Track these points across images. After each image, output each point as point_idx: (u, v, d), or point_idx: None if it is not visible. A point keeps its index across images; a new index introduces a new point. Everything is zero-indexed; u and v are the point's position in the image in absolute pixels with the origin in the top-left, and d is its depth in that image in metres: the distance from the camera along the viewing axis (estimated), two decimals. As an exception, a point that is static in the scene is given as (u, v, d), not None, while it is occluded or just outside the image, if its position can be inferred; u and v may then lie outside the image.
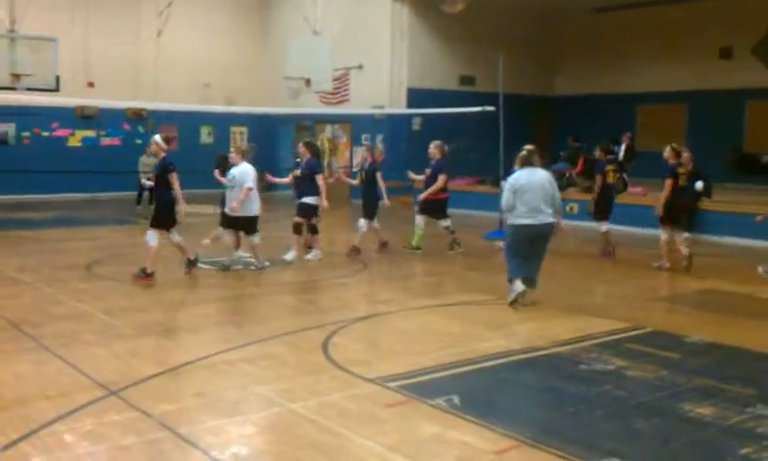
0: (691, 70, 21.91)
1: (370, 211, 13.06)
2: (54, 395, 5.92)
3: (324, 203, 12.07)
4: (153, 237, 10.29)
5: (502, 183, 11.57)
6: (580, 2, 21.96)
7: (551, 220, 9.09)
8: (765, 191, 17.04)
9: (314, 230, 12.33)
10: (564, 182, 18.70)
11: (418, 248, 13.20)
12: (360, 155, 13.62)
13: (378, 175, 13.11)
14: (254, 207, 11.27)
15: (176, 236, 10.62)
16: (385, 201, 13.27)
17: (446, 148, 13.53)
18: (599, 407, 5.89)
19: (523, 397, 6.18)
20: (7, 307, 8.89)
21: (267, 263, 11.41)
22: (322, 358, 7.04)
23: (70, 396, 5.88)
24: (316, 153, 12.53)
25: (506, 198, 9.14)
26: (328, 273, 11.64)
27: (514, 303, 9.13)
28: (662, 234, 11.90)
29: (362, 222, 13.03)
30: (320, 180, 11.98)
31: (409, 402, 5.89)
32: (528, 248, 9.13)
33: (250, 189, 10.98)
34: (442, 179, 13.05)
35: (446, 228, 13.34)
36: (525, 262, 9.17)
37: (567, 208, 14.22)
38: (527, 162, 9.24)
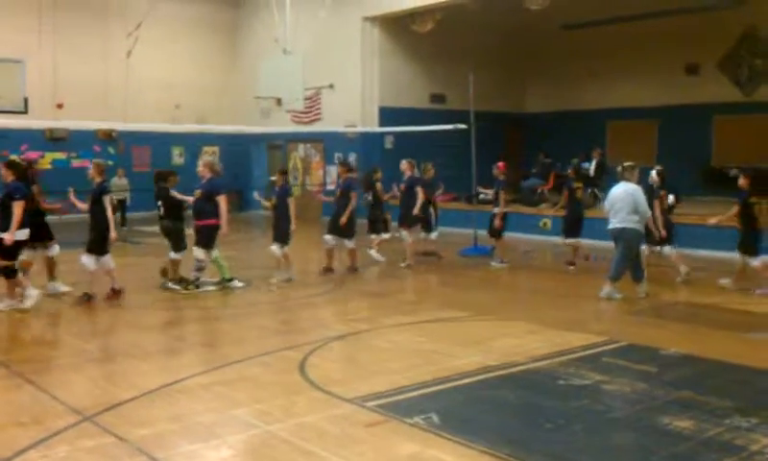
0: (660, 86, 22.18)
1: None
2: (26, 421, 5.82)
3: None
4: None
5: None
6: (549, 19, 22.14)
7: (631, 226, 10.63)
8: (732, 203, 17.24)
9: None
10: (535, 199, 18.85)
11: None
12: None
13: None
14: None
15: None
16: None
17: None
18: (577, 422, 5.89)
19: (501, 413, 6.16)
20: (-24, 333, 8.73)
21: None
22: (299, 379, 6.98)
23: (43, 422, 5.78)
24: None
25: (605, 206, 11.08)
26: (301, 292, 11.58)
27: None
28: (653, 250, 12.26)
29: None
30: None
31: (387, 422, 5.85)
32: (618, 248, 10.83)
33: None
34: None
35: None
36: (621, 263, 10.79)
37: (541, 224, 14.29)
38: (621, 177, 10.91)
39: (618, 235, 10.78)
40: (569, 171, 14.24)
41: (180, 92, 24.77)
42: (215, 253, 11.52)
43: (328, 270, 12.92)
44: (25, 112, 17.85)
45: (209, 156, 23.34)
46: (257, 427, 5.74)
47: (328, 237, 13.04)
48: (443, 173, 15.82)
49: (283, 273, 12.19)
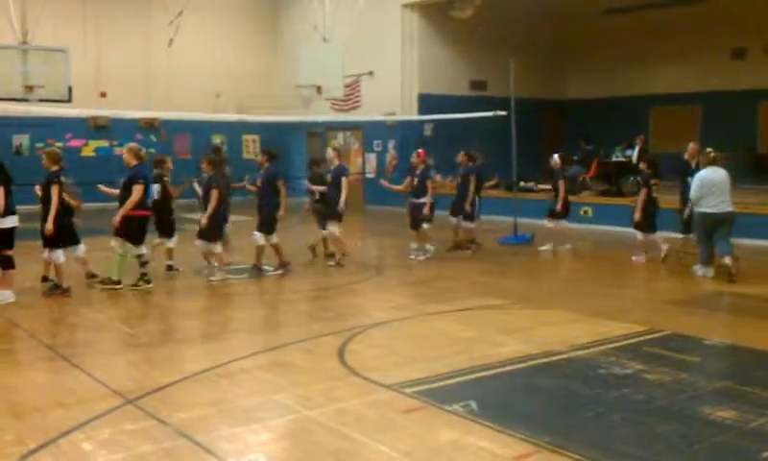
0: (704, 71, 21.80)
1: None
2: (71, 403, 5.93)
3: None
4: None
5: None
6: (590, 4, 21.88)
7: (729, 209, 11.07)
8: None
9: None
10: (577, 186, 18.66)
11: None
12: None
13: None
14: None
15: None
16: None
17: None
18: (618, 411, 5.83)
19: (541, 401, 6.13)
20: (24, 317, 8.92)
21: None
22: (338, 365, 7.02)
23: (87, 404, 5.88)
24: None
25: (693, 191, 11.17)
26: (342, 279, 11.62)
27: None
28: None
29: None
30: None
31: (426, 408, 5.85)
32: (712, 232, 11.12)
33: None
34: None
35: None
36: (709, 248, 11.21)
37: (581, 212, 14.15)
38: (712, 162, 11.21)
39: (727, 218, 11.09)
40: (643, 165, 13.18)
41: (221, 80, 24.96)
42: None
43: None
44: (69, 101, 18.06)
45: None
46: (297, 412, 5.78)
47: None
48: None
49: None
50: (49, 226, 9.74)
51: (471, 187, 13.90)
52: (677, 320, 8.85)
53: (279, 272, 11.75)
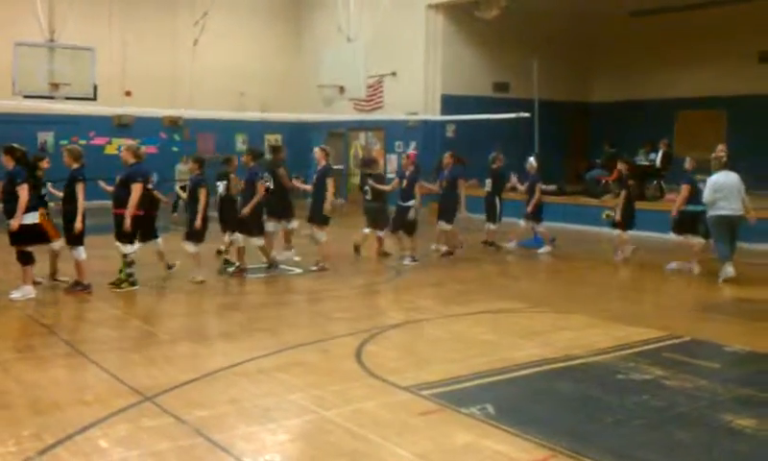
0: (730, 75, 21.55)
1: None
2: (89, 400, 5.97)
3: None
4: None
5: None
6: (616, 6, 21.73)
7: (741, 212, 11.40)
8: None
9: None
10: (599, 190, 18.55)
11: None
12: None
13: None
14: None
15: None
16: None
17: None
18: (637, 417, 5.78)
19: (559, 406, 6.08)
20: (43, 313, 9.01)
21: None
22: (355, 366, 7.01)
23: (105, 401, 5.91)
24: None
25: (707, 195, 11.40)
26: (361, 280, 11.62)
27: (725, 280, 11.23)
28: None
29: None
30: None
31: (442, 411, 5.83)
32: (728, 233, 11.39)
33: None
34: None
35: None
36: (729, 245, 11.44)
37: (603, 216, 14.05)
38: (724, 166, 11.51)
39: (737, 221, 11.48)
40: (687, 165, 12.98)
41: (245, 80, 25.05)
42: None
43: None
44: (94, 99, 18.21)
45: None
46: (314, 412, 5.78)
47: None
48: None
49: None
50: (78, 224, 9.81)
51: (462, 191, 13.51)
52: (697, 326, 8.77)
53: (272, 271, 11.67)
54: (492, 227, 14.50)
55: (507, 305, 9.84)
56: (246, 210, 11.45)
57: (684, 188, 12.23)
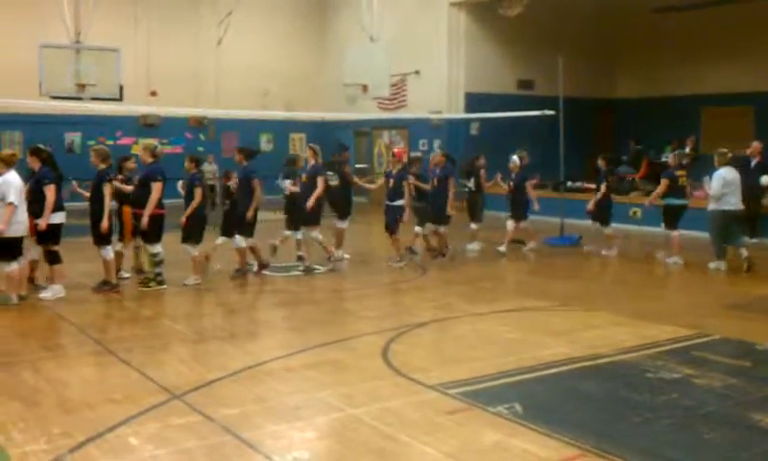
0: (757, 70, 21.28)
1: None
2: (119, 398, 6.03)
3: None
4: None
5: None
6: (641, 2, 21.55)
7: (743, 206, 11.99)
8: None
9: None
10: (626, 187, 18.41)
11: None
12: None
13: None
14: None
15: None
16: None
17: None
18: (666, 416, 5.73)
19: (587, 405, 6.05)
20: (73, 312, 9.09)
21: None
22: (382, 364, 7.02)
23: (135, 399, 5.97)
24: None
25: (717, 188, 11.75)
26: (388, 278, 11.63)
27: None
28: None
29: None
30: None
31: (470, 410, 5.82)
32: (730, 226, 11.86)
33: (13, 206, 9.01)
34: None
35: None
36: (724, 242, 11.94)
37: (631, 213, 13.96)
38: (729, 162, 11.94)
39: (742, 215, 12.08)
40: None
41: (269, 79, 25.13)
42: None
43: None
44: (120, 99, 18.37)
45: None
46: (341, 410, 5.80)
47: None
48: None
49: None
50: (104, 224, 9.90)
51: (452, 190, 12.84)
52: (727, 324, 8.68)
53: (261, 273, 11.43)
54: (525, 224, 14.42)
55: (533, 303, 9.80)
56: (310, 203, 11.64)
57: (664, 182, 12.74)
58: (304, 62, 26.49)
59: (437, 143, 22.12)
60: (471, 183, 14.23)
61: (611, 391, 6.35)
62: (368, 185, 13.47)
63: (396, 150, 12.79)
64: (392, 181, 12.49)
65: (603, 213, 13.52)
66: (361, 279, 11.60)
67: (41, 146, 9.95)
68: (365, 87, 19.41)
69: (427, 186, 13.05)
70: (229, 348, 7.70)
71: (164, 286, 10.41)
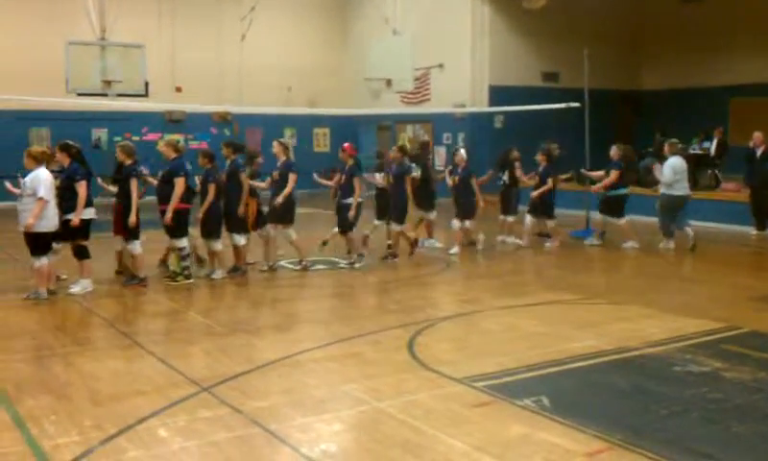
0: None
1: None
2: (148, 391, 6.09)
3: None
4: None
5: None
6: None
7: (690, 192, 13.30)
8: None
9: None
10: (651, 179, 18.25)
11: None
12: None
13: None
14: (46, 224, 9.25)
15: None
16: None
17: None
18: (694, 410, 5.70)
19: (615, 398, 6.02)
20: (101, 306, 9.20)
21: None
22: (407, 357, 7.03)
23: (164, 392, 6.03)
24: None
25: (669, 175, 12.89)
26: (413, 272, 11.63)
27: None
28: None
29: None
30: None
31: (496, 403, 5.82)
32: (677, 211, 13.12)
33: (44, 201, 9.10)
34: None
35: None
36: (673, 223, 13.13)
37: (657, 206, 13.83)
38: (679, 152, 13.20)
39: (689, 199, 13.22)
40: (613, 153, 13.64)
41: (292, 74, 25.22)
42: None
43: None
44: (146, 96, 18.54)
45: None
46: (367, 403, 5.81)
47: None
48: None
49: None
50: (132, 218, 9.98)
51: (408, 187, 12.23)
52: (757, 317, 8.59)
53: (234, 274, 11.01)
54: (550, 223, 14.35)
55: (560, 297, 9.76)
56: (279, 200, 11.05)
57: (614, 173, 13.40)
58: (327, 57, 26.54)
59: (461, 136, 22.11)
60: (506, 176, 14.13)
61: (639, 384, 6.32)
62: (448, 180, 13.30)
63: (345, 145, 12.14)
64: (343, 177, 11.81)
65: (546, 207, 13.49)
66: (386, 272, 11.60)
67: (70, 142, 10.04)
68: (388, 81, 19.44)
69: (446, 179, 13.31)
70: (256, 341, 7.75)
71: (191, 280, 10.49)
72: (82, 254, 9.81)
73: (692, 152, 18.83)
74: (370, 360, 7.01)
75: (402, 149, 12.86)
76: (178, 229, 10.38)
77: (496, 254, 13.26)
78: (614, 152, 13.73)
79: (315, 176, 13.02)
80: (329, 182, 12.48)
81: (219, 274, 10.76)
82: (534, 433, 5.21)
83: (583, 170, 14.73)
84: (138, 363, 6.96)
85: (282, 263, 11.77)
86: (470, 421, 5.45)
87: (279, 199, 11.07)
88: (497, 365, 6.71)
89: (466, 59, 22.41)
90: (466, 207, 12.86)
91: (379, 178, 12.56)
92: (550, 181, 13.53)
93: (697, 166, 18.38)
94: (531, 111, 18.26)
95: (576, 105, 15.94)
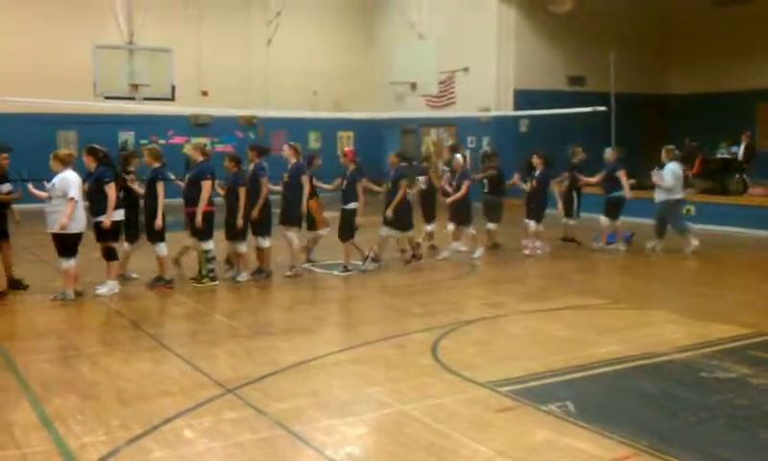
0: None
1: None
2: (174, 392, 6.13)
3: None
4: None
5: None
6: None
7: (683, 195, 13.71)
8: None
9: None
10: (650, 184, 18.11)
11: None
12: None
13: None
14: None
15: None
16: None
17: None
18: (721, 416, 5.65)
19: (640, 404, 5.97)
20: (128, 308, 9.28)
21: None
22: (431, 361, 7.02)
23: (189, 393, 6.07)
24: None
25: (671, 180, 13.12)
26: (436, 276, 11.62)
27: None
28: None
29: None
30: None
31: (520, 408, 5.80)
32: (677, 212, 13.54)
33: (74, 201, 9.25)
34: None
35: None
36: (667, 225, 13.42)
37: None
38: (675, 158, 13.51)
39: (683, 203, 13.72)
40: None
41: (317, 78, 25.28)
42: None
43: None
44: (172, 99, 18.64)
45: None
46: (391, 406, 5.82)
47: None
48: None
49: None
50: (159, 221, 10.07)
51: (401, 193, 11.76)
52: (785, 323, 8.49)
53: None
54: (570, 222, 14.30)
55: (585, 302, 9.70)
56: (304, 207, 11.16)
57: (623, 172, 13.57)
58: (353, 61, 26.59)
59: (485, 140, 22.05)
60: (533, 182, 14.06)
61: (665, 390, 6.27)
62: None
63: (346, 149, 12.05)
64: (345, 182, 11.61)
65: (462, 213, 12.83)
66: (410, 275, 11.60)
67: (97, 146, 10.14)
68: (413, 85, 19.42)
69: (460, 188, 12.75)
70: (281, 343, 7.78)
71: (216, 282, 10.55)
72: (111, 255, 9.91)
73: (720, 156, 18.67)
74: (394, 363, 7.01)
75: (401, 154, 12.62)
76: (204, 231, 10.46)
77: (520, 257, 13.20)
78: (610, 154, 13.82)
79: (313, 180, 12.25)
80: (327, 187, 12.21)
81: (244, 276, 10.82)
82: (558, 439, 5.19)
83: (576, 174, 14.46)
84: (164, 364, 7.02)
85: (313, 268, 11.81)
86: (495, 425, 5.44)
87: (303, 205, 11.12)
88: (522, 369, 6.69)
89: (491, 62, 22.35)
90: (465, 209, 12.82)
91: (423, 181, 12.89)
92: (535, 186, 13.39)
93: (725, 171, 18.22)
94: (556, 115, 18.18)
95: (603, 109, 15.85)
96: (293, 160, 11.30)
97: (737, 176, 17.91)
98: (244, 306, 9.84)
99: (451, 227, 13.00)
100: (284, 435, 5.25)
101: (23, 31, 21.61)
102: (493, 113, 21.79)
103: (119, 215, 9.90)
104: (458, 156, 13.19)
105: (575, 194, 14.16)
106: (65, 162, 9.47)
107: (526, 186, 13.67)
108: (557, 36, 22.15)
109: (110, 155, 10.36)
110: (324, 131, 26.03)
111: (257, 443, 5.14)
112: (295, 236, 11.26)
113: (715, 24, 22.50)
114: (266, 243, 11.05)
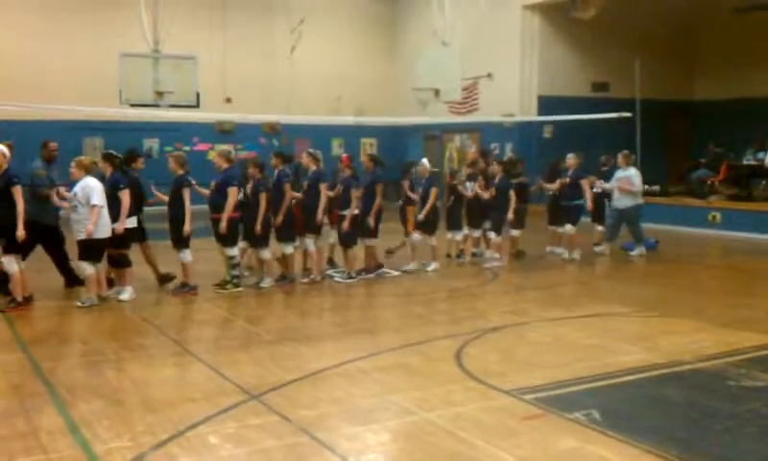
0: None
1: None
2: (199, 398, 6.15)
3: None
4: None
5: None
6: (720, 1, 20.99)
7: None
8: None
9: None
10: (705, 190, 17.97)
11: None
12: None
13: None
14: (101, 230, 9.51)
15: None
16: None
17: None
18: (749, 425, 5.58)
19: (667, 412, 5.92)
20: (153, 314, 9.34)
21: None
22: (455, 368, 7.00)
23: (214, 399, 6.09)
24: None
25: (639, 184, 13.49)
26: (460, 283, 11.59)
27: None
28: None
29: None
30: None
31: (545, 416, 5.76)
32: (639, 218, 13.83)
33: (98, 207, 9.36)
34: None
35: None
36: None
37: (709, 217, 13.61)
38: (633, 162, 13.81)
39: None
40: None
41: (341, 85, 25.34)
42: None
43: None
44: (197, 106, 18.76)
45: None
46: (415, 414, 5.80)
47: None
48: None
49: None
50: (187, 227, 10.14)
51: (378, 198, 11.58)
52: (814, 332, 8.37)
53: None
54: (600, 228, 14.21)
55: (611, 309, 9.63)
56: (319, 216, 11.07)
57: (588, 183, 13.53)
58: (375, 68, 26.64)
59: (509, 146, 21.97)
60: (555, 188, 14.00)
61: (691, 399, 6.20)
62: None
63: (343, 156, 11.92)
64: (341, 188, 11.51)
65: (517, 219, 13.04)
66: (433, 282, 11.58)
67: (113, 152, 10.26)
68: (436, 92, 19.40)
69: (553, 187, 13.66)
70: (305, 349, 7.78)
71: (240, 288, 10.59)
72: (123, 262, 9.97)
73: (746, 162, 18.49)
74: (418, 371, 7.00)
75: (373, 157, 12.26)
76: (229, 237, 10.50)
77: (544, 264, 13.14)
78: (572, 160, 13.64)
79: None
80: (330, 194, 11.81)
81: (267, 282, 10.85)
82: (584, 447, 5.15)
83: (540, 181, 14.33)
84: (189, 370, 7.05)
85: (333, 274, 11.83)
86: (520, 433, 5.41)
87: (320, 214, 11.03)
88: (547, 377, 6.65)
89: (515, 68, 22.28)
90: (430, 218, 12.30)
91: (472, 186, 12.90)
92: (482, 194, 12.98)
93: (751, 177, 18.04)
94: (580, 122, 18.07)
95: (627, 115, 15.74)
96: (312, 168, 11.27)
97: (764, 182, 17.73)
98: (267, 313, 9.88)
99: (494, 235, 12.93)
100: (308, 442, 5.26)
101: (52, 38, 21.90)
102: (516, 119, 21.72)
103: (132, 222, 9.98)
104: (424, 160, 12.97)
105: (606, 200, 14.08)
106: (88, 169, 9.56)
107: (554, 187, 13.62)
108: (580, 41, 22.05)
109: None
110: (347, 137, 26.07)
111: (281, 449, 5.15)
112: (311, 243, 11.28)
113: (739, 29, 22.30)
114: (289, 249, 11.09)
